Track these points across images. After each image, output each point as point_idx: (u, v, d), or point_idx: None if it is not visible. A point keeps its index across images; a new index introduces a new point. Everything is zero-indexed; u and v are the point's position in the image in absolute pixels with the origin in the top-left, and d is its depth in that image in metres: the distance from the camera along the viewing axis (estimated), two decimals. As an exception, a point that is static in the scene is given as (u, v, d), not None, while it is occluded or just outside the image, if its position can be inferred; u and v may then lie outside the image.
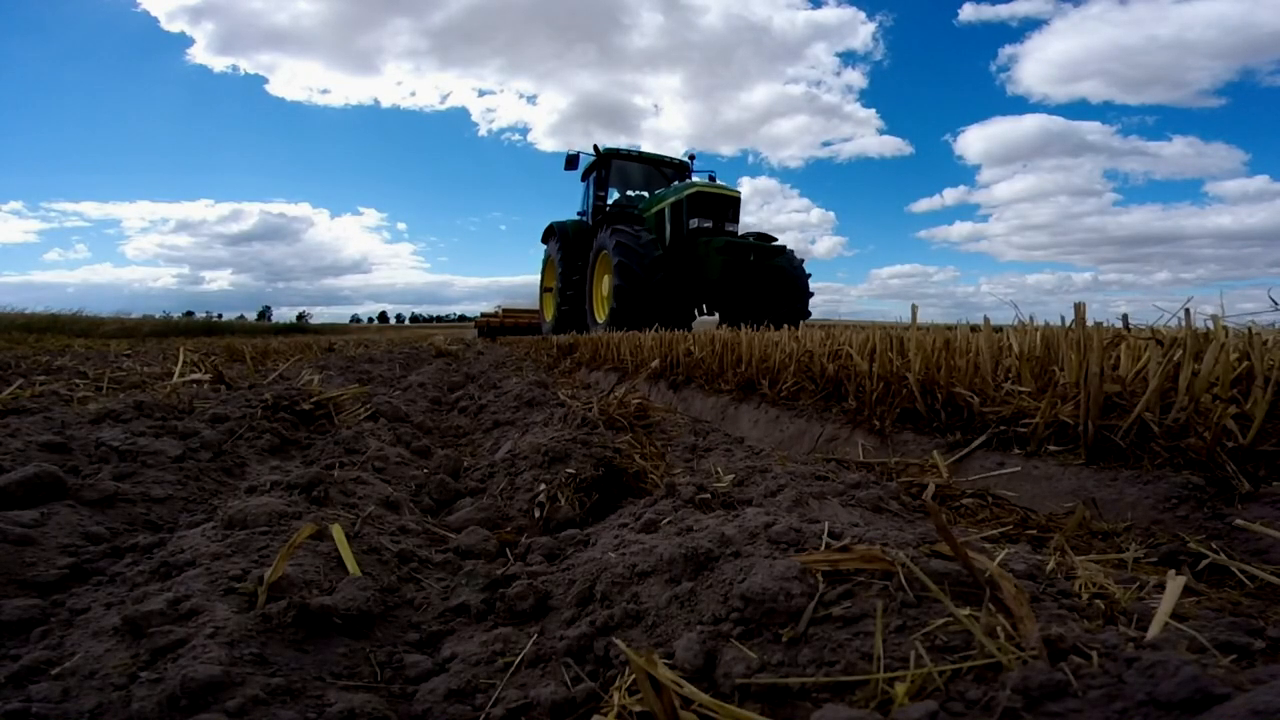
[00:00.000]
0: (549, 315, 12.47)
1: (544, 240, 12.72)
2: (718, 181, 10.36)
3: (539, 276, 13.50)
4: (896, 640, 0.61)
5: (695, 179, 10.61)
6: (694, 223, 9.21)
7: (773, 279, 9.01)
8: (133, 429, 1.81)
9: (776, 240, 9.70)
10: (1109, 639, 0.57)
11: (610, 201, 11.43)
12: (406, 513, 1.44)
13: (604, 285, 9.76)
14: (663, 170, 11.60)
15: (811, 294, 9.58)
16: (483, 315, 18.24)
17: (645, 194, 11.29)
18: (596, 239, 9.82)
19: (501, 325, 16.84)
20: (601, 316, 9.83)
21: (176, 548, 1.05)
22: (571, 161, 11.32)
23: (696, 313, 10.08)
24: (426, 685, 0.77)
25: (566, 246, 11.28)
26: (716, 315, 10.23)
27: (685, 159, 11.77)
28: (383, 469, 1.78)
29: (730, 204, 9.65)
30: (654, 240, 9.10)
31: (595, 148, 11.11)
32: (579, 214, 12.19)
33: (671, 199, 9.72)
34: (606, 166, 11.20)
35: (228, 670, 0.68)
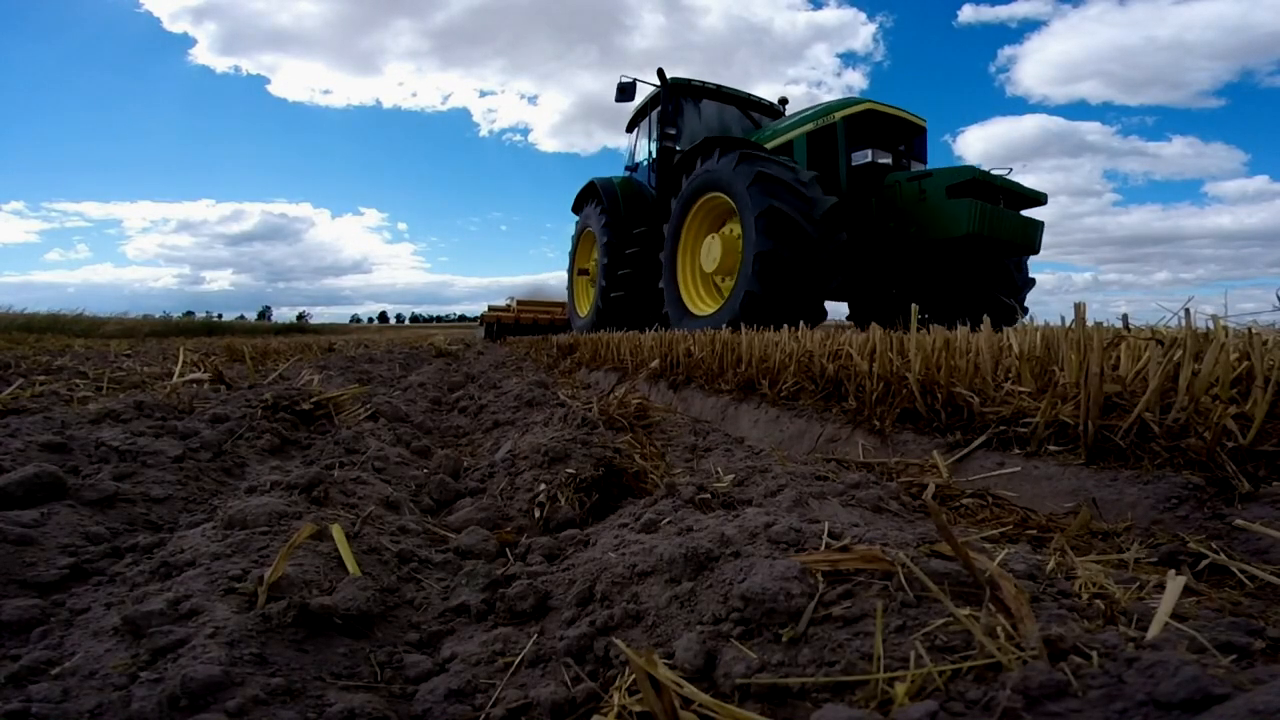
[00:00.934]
0: (584, 308, 9.32)
1: (576, 209, 9.47)
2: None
3: (564, 269, 10.26)
4: (896, 640, 0.61)
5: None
6: (863, 156, 5.73)
7: (1008, 249, 5.41)
8: (133, 429, 1.81)
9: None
10: (1109, 639, 0.57)
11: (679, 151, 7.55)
12: (406, 513, 1.44)
13: (708, 255, 5.88)
14: (749, 114, 8.06)
15: (1027, 309, 6.06)
16: (491, 310, 13.95)
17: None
18: (695, 173, 5.92)
19: (517, 322, 13.01)
20: (705, 306, 6.01)
21: (176, 548, 1.05)
22: (625, 91, 7.79)
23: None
24: (426, 685, 0.77)
25: (614, 212, 7.99)
26: (844, 304, 6.83)
27: (777, 103, 8.43)
28: (383, 469, 1.78)
29: (914, 133, 6.13)
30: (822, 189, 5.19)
31: (660, 73, 7.74)
32: (627, 169, 9.06)
33: (810, 124, 6.01)
34: (674, 102, 7.67)
35: (228, 670, 0.68)
